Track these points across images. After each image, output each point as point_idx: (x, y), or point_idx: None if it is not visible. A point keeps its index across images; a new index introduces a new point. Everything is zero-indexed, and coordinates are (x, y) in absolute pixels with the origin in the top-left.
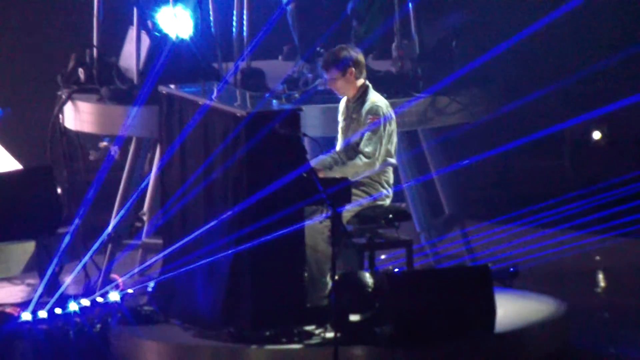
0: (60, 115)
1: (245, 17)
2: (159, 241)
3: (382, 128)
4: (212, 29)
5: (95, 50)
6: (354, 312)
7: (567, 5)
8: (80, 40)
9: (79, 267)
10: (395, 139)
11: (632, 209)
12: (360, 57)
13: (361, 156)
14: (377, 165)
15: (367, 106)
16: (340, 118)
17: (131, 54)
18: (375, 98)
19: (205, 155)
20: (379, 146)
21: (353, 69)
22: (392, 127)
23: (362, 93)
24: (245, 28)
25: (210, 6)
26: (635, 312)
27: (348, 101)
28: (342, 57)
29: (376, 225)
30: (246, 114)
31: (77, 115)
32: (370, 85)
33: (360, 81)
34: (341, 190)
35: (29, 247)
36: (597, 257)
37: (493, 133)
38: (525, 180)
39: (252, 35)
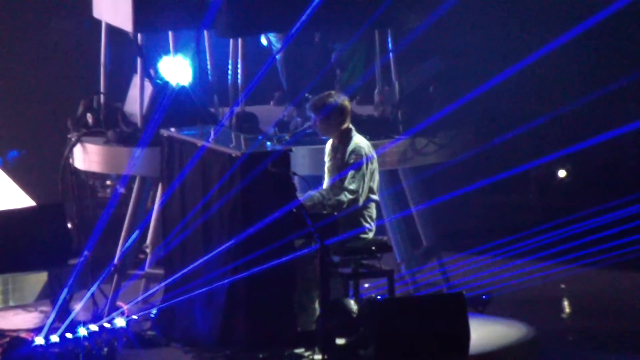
0: (71, 156)
1: (239, 65)
2: (161, 271)
3: (364, 167)
4: (210, 77)
5: (102, 96)
6: (340, 336)
7: (532, 55)
8: (88, 88)
9: (88, 295)
10: (377, 177)
11: (594, 241)
12: (346, 103)
13: (346, 193)
14: (361, 201)
15: (350, 147)
16: (326, 159)
17: (135, 100)
18: (357, 140)
19: (203, 192)
20: (362, 184)
21: (337, 114)
22: (374, 166)
23: (346, 136)
24: (239, 76)
25: (208, 56)
26: (597, 335)
27: (333, 143)
28: (327, 103)
29: (360, 257)
30: (241, 155)
31: (86, 156)
32: (353, 129)
33: (345, 125)
34: (328, 225)
35: (42, 277)
36: (562, 285)
37: (467, 171)
38: (497, 215)
39: (246, 82)
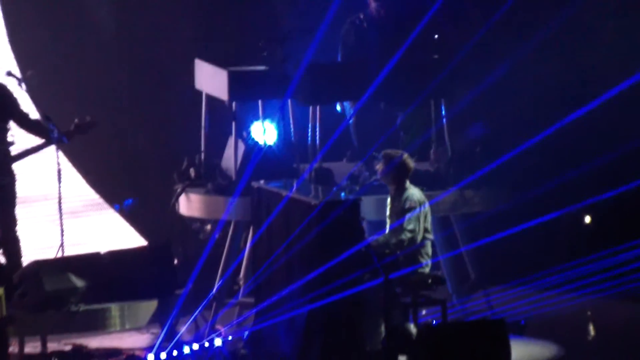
0: (177, 204)
1: (317, 128)
2: (252, 300)
3: (419, 212)
4: (292, 138)
5: (202, 154)
6: (402, 354)
7: (557, 124)
8: (191, 147)
9: (191, 319)
10: (429, 218)
11: (613, 276)
12: (405, 162)
13: (406, 232)
14: (419, 239)
15: (405, 196)
16: (388, 207)
17: (230, 157)
18: (411, 190)
19: (287, 234)
20: (417, 224)
21: (396, 170)
22: (427, 210)
23: (401, 187)
24: (317, 137)
25: (291, 120)
26: (618, 354)
27: (392, 193)
28: (393, 159)
29: (418, 288)
30: (318, 203)
31: (189, 204)
32: (408, 181)
33: (402, 179)
34: (391, 262)
35: (153, 304)
36: (588, 312)
37: (507, 218)
38: (532, 254)
39: (323, 142)
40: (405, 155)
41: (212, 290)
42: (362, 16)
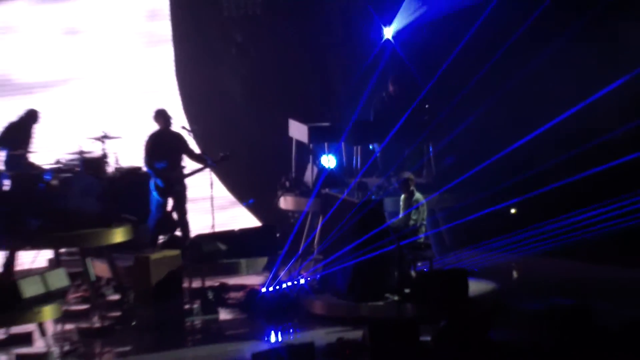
0: (278, 202)
1: (358, 158)
2: (322, 257)
3: (420, 207)
4: (344, 164)
5: (293, 173)
6: (406, 288)
7: (498, 155)
8: (286, 169)
9: (287, 268)
10: (426, 211)
11: (535, 241)
12: (410, 178)
13: (411, 220)
14: (419, 224)
15: (413, 198)
16: (401, 203)
17: (309, 175)
18: (416, 194)
19: (340, 219)
20: (418, 216)
21: (404, 183)
22: (424, 206)
23: (410, 192)
24: (358, 163)
25: (343, 154)
26: (532, 287)
27: (405, 195)
28: (402, 177)
29: (416, 250)
30: (359, 201)
31: (285, 202)
32: (414, 188)
33: (409, 188)
34: (402, 236)
35: (265, 259)
36: (513, 264)
37: (468, 209)
38: (483, 230)
39: (362, 166)
40: (411, 175)
41: (299, 251)
42: (384, 94)
